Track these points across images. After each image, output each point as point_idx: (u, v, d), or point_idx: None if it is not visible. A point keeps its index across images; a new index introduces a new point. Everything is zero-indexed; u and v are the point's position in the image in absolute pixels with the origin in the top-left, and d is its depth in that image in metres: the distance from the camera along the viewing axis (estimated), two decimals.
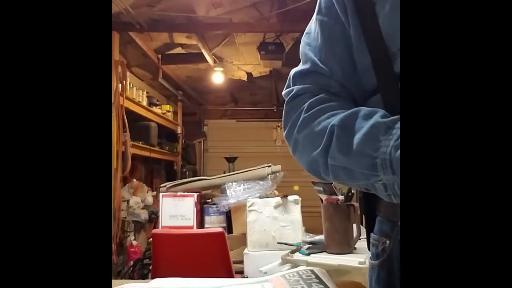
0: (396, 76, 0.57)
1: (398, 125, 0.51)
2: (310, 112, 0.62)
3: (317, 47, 0.68)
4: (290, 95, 0.67)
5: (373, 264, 0.65)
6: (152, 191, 4.18)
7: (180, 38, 3.71)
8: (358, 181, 0.56)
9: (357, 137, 0.53)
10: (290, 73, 0.70)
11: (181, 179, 3.25)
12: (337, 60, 0.66)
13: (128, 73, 3.56)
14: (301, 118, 0.63)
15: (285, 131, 0.67)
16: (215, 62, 4.11)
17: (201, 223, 2.65)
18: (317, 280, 0.69)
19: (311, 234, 2.20)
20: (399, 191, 0.51)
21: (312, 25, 0.71)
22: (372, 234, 0.68)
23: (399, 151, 0.48)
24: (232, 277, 2.07)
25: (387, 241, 0.63)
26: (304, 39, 0.72)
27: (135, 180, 3.87)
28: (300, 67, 0.69)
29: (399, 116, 0.52)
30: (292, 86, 0.68)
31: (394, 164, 0.49)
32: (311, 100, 0.63)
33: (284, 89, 0.70)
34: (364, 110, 0.57)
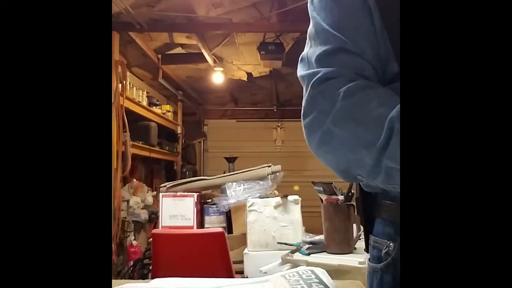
0: None
1: None
2: (352, 98, 0.52)
3: (336, 23, 0.58)
4: (317, 77, 0.56)
5: (374, 267, 0.63)
6: (152, 191, 4.18)
7: (180, 38, 3.71)
8: None
9: None
10: (309, 55, 0.60)
11: (181, 179, 3.25)
12: (364, 36, 0.57)
13: (128, 73, 3.55)
14: (337, 106, 0.53)
15: (309, 119, 0.56)
16: (215, 62, 4.11)
17: (201, 223, 2.65)
18: (317, 280, 0.69)
19: (311, 234, 2.20)
20: None
21: (318, 3, 0.62)
22: (372, 236, 0.65)
23: None
24: (232, 277, 2.07)
25: (391, 244, 0.60)
26: (314, 15, 0.61)
27: (135, 180, 3.87)
28: (322, 46, 0.58)
29: None
30: (317, 68, 0.57)
31: None
32: (350, 85, 0.53)
33: (302, 70, 0.60)
34: None
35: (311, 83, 0.57)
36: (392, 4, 0.52)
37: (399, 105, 0.47)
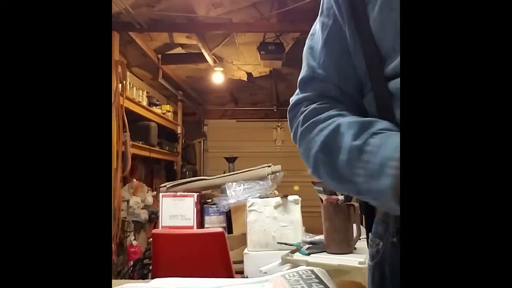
0: (387, 77, 0.58)
1: (369, 147, 0.51)
2: (304, 126, 0.64)
3: (318, 50, 0.69)
4: (292, 103, 0.69)
5: (369, 265, 0.66)
6: (152, 191, 4.17)
7: (180, 38, 3.71)
8: (367, 199, 0.57)
9: (341, 165, 0.55)
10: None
11: (181, 179, 3.25)
12: (334, 63, 0.67)
13: (128, 73, 3.55)
14: (299, 132, 0.65)
15: (292, 137, 0.69)
16: (215, 62, 4.11)
17: (201, 223, 2.65)
18: (317, 280, 0.69)
19: (311, 234, 2.20)
20: (393, 211, 0.54)
21: (316, 27, 0.71)
22: (369, 235, 0.68)
23: (375, 182, 0.49)
24: (232, 277, 2.07)
25: (380, 243, 0.63)
26: (308, 41, 0.72)
27: (135, 180, 3.86)
28: (302, 73, 0.71)
29: (370, 131, 0.53)
30: (299, 94, 0.70)
31: (374, 195, 0.51)
32: (306, 111, 0.65)
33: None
34: (342, 126, 0.57)
35: (288, 108, 0.70)
36: (365, 19, 0.60)
37: (324, 136, 0.59)
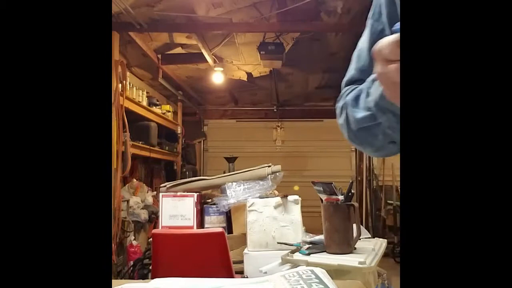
0: None
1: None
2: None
3: (365, 52, 0.76)
4: (336, 107, 0.77)
5: None
6: (152, 191, 4.18)
7: (180, 38, 3.71)
8: None
9: None
10: None
11: (181, 179, 3.25)
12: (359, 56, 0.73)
13: (128, 73, 3.56)
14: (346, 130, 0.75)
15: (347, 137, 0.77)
16: (215, 62, 4.11)
17: (201, 223, 2.65)
18: (317, 280, 0.69)
19: (311, 234, 2.20)
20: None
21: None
22: None
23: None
24: (232, 277, 2.07)
25: None
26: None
27: (135, 180, 3.87)
28: (346, 75, 0.78)
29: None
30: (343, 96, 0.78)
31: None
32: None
33: None
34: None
35: (336, 113, 0.77)
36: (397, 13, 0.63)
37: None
